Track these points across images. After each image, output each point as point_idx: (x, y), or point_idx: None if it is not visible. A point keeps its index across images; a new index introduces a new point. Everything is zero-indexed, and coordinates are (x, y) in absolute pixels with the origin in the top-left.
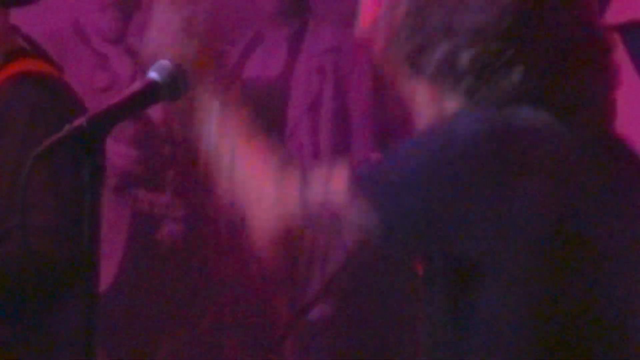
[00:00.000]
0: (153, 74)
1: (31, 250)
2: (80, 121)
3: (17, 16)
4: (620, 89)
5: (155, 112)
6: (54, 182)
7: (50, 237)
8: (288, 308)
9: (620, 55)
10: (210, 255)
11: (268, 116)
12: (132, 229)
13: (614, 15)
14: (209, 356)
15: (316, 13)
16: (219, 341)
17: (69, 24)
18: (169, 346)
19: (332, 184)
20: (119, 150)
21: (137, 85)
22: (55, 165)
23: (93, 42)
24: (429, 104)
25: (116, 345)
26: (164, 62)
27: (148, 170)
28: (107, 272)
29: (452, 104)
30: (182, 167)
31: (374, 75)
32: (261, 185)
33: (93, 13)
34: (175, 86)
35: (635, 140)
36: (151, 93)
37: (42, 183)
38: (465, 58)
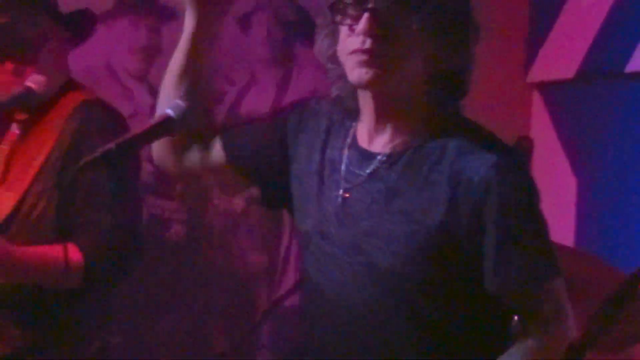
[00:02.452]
0: (169, 110)
1: (111, 244)
2: (110, 145)
3: None
4: (537, 141)
5: None
6: (116, 191)
7: (117, 236)
8: (266, 298)
9: (540, 110)
10: (205, 252)
11: None
12: (145, 228)
13: (535, 74)
14: (199, 335)
15: (299, 60)
16: (208, 323)
17: (102, 63)
18: (168, 323)
19: None
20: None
21: (156, 119)
22: (115, 178)
23: (121, 78)
24: None
25: (125, 321)
26: (179, 102)
27: (160, 181)
28: None
29: None
30: (186, 182)
31: None
32: None
33: (123, 55)
34: (186, 122)
35: (553, 189)
36: (167, 126)
37: (107, 193)
38: None
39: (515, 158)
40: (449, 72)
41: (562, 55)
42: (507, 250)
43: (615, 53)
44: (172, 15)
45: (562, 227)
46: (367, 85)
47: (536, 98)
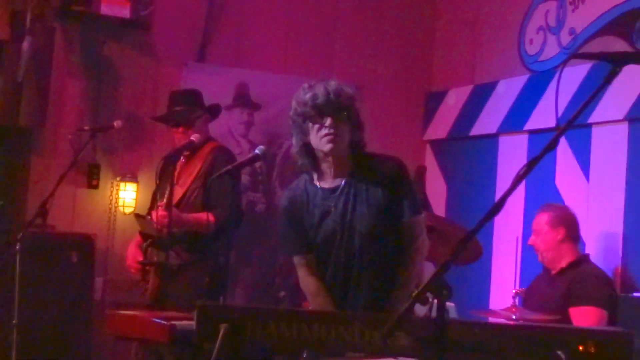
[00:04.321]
0: (257, 151)
1: (229, 214)
2: (229, 167)
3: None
4: (428, 168)
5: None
6: (231, 189)
7: (232, 210)
8: None
9: (430, 154)
10: (271, 220)
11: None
12: (245, 207)
13: (428, 135)
14: (267, 268)
15: None
16: (274, 258)
17: (226, 129)
18: (259, 251)
19: None
20: (243, 177)
21: (250, 155)
22: (232, 182)
23: (235, 136)
24: None
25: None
26: (261, 146)
27: (253, 184)
28: None
29: None
30: (265, 184)
31: None
32: None
33: (235, 125)
34: (266, 156)
35: (435, 194)
36: (256, 158)
37: (227, 189)
38: None
39: (401, 161)
40: (356, 141)
41: (440, 126)
42: (408, 201)
43: (465, 124)
44: (258, 107)
45: (439, 210)
46: (331, 152)
47: (428, 148)
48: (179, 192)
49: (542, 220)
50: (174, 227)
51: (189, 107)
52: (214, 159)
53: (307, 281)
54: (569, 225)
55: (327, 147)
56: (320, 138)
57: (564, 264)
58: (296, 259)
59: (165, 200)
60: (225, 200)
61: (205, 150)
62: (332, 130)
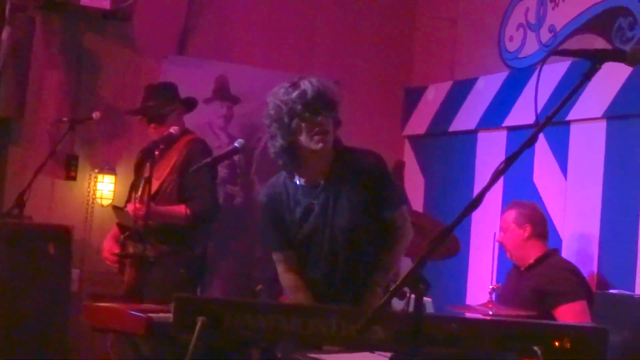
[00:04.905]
0: (236, 144)
1: (206, 206)
2: (208, 160)
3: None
4: (407, 163)
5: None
6: (209, 181)
7: (209, 203)
8: None
9: (408, 149)
10: (252, 214)
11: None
12: (223, 199)
13: (407, 131)
14: (244, 261)
15: None
16: (252, 251)
17: (205, 121)
18: (237, 244)
19: None
20: (221, 170)
21: (229, 148)
22: (209, 175)
23: (214, 129)
24: None
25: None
26: (241, 140)
27: (232, 177)
28: None
29: None
30: (244, 178)
31: None
32: None
33: (214, 118)
34: (245, 149)
35: (412, 188)
36: (235, 151)
37: (205, 182)
38: None
39: (378, 155)
40: (336, 137)
41: (419, 122)
42: (388, 196)
43: (444, 120)
44: (238, 100)
45: (417, 206)
46: (321, 150)
47: (407, 143)
48: (155, 185)
49: (509, 217)
50: (151, 220)
51: (162, 102)
52: (189, 152)
53: (286, 277)
54: (536, 223)
55: (318, 146)
56: (311, 137)
57: (531, 260)
58: (275, 255)
59: (140, 192)
60: (203, 192)
61: (181, 143)
62: (324, 129)
